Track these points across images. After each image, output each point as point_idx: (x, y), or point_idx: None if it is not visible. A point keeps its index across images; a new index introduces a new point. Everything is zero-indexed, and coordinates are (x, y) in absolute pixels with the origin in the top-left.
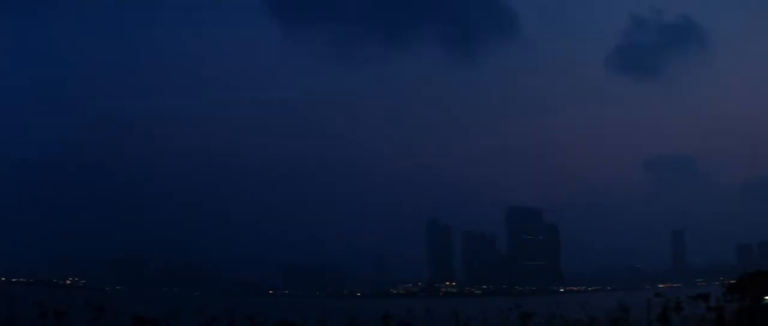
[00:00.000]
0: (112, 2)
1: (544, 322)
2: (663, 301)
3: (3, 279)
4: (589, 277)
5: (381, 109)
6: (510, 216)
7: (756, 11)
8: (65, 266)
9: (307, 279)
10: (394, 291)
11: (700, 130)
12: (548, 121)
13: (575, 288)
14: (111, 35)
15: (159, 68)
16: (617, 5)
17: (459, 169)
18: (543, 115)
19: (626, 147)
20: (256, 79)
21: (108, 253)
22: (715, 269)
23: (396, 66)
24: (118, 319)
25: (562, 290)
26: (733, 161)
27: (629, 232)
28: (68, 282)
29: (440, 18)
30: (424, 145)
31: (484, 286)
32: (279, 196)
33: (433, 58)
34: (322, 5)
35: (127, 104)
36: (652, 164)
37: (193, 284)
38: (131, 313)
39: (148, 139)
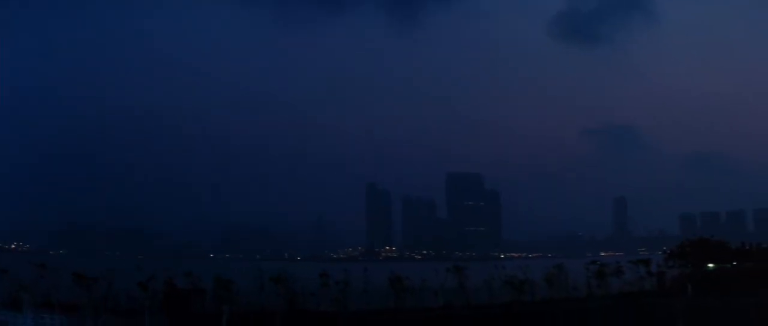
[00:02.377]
0: None
1: (482, 282)
2: (599, 266)
3: None
4: (530, 244)
5: (320, 73)
6: (450, 182)
7: None
8: (10, 232)
9: (247, 243)
10: (335, 256)
11: (645, 99)
12: (489, 87)
13: (516, 255)
14: None
15: (98, 34)
16: None
17: (399, 134)
18: (484, 81)
19: (569, 115)
20: (194, 44)
21: (51, 220)
22: (657, 239)
23: (336, 30)
24: (59, 278)
25: (502, 256)
26: (677, 131)
27: (571, 200)
28: (13, 247)
29: None
30: (364, 109)
31: (424, 252)
32: (218, 161)
33: (373, 22)
34: None
35: (72, 74)
36: (594, 132)
37: (135, 249)
38: (73, 273)
39: (89, 108)
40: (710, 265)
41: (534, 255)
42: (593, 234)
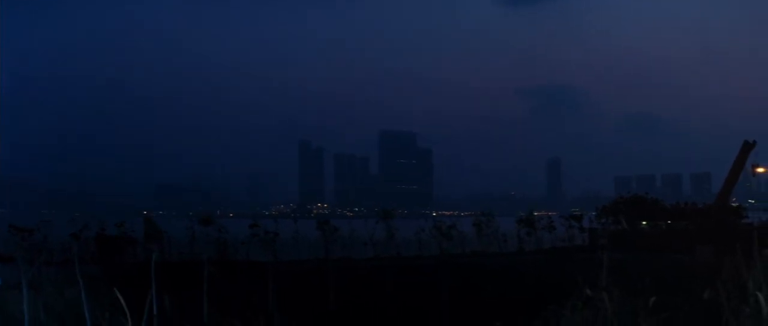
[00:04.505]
0: None
1: (412, 234)
2: (528, 214)
3: None
4: (463, 202)
5: (252, 30)
6: (383, 140)
7: None
8: None
9: (181, 200)
10: (267, 213)
11: (582, 60)
12: (424, 45)
13: (447, 213)
14: None
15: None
16: None
17: (332, 92)
18: (419, 38)
19: (504, 74)
20: (123, 8)
21: None
22: (591, 199)
23: None
24: None
25: (434, 214)
26: (614, 93)
27: (505, 159)
28: None
29: None
30: (297, 67)
31: (356, 209)
32: (151, 119)
33: None
34: None
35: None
36: (530, 92)
37: (71, 208)
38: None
39: (20, 67)
40: (644, 223)
41: (466, 213)
42: (527, 194)
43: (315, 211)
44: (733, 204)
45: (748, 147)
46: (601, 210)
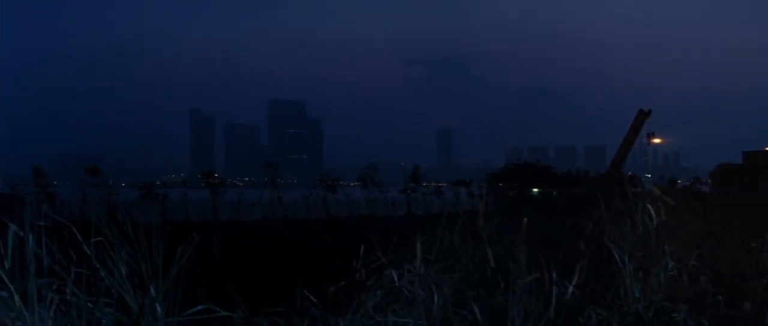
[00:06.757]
0: None
1: (300, 197)
2: (413, 174)
3: None
4: (352, 173)
5: None
6: (273, 109)
7: None
8: None
9: (70, 168)
10: (158, 182)
11: (475, 30)
12: (316, 11)
13: (338, 183)
14: None
15: None
16: None
17: (221, 59)
18: (309, 5)
19: (394, 45)
20: None
21: None
22: (482, 170)
23: None
24: None
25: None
26: (508, 65)
27: (395, 130)
28: None
29: None
30: (187, 32)
31: (247, 178)
32: (38, 83)
33: None
34: None
35: None
36: (421, 62)
37: None
38: None
39: None
40: (535, 190)
41: (355, 183)
42: (417, 164)
43: (205, 181)
44: (628, 175)
45: (642, 116)
46: (491, 177)
